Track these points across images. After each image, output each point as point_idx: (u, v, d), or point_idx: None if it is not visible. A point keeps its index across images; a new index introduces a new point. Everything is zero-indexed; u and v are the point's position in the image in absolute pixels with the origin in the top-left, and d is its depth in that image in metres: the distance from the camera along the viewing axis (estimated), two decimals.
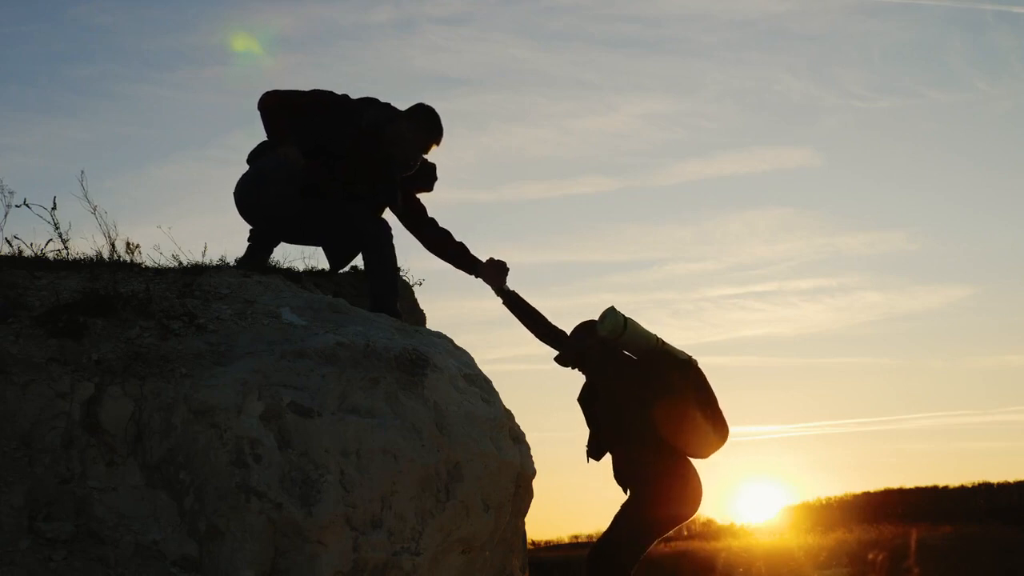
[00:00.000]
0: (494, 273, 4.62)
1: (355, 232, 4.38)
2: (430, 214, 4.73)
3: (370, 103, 4.50)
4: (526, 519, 4.08)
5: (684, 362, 4.14)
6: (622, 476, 4.14)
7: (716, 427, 4.08)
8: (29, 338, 3.31)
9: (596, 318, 4.22)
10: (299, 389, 3.30)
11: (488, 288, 4.64)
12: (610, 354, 4.18)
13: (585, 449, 4.25)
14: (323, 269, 5.13)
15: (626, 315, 4.14)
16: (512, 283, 4.62)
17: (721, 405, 4.14)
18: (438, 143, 4.53)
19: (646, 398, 4.03)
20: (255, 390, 3.24)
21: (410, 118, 4.47)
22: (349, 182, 4.38)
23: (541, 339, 4.48)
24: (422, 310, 5.51)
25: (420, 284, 5.61)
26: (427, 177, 4.68)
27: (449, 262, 4.71)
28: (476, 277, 4.66)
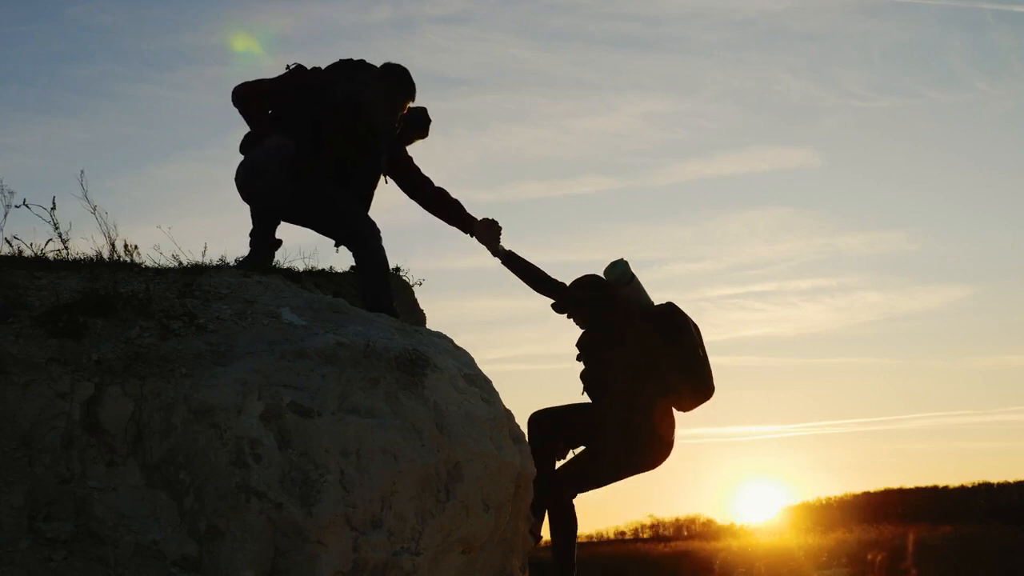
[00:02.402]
0: (488, 233, 4.65)
1: (342, 228, 4.41)
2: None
3: (342, 69, 4.46)
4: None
5: (693, 322, 4.41)
6: (611, 413, 4.30)
7: (707, 384, 4.36)
8: (29, 338, 3.31)
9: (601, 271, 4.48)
10: (299, 389, 3.30)
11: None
12: (612, 304, 4.41)
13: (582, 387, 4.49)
14: (323, 269, 5.13)
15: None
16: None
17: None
18: (412, 98, 4.48)
19: (663, 348, 4.27)
20: (255, 390, 3.24)
21: (379, 81, 4.42)
22: (335, 162, 4.38)
23: (540, 292, 4.58)
24: (422, 310, 5.52)
25: (420, 284, 5.62)
26: (418, 124, 4.65)
27: (444, 220, 4.73)
28: (471, 236, 4.69)
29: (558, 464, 4.41)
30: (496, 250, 4.63)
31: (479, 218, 4.67)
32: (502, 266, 4.62)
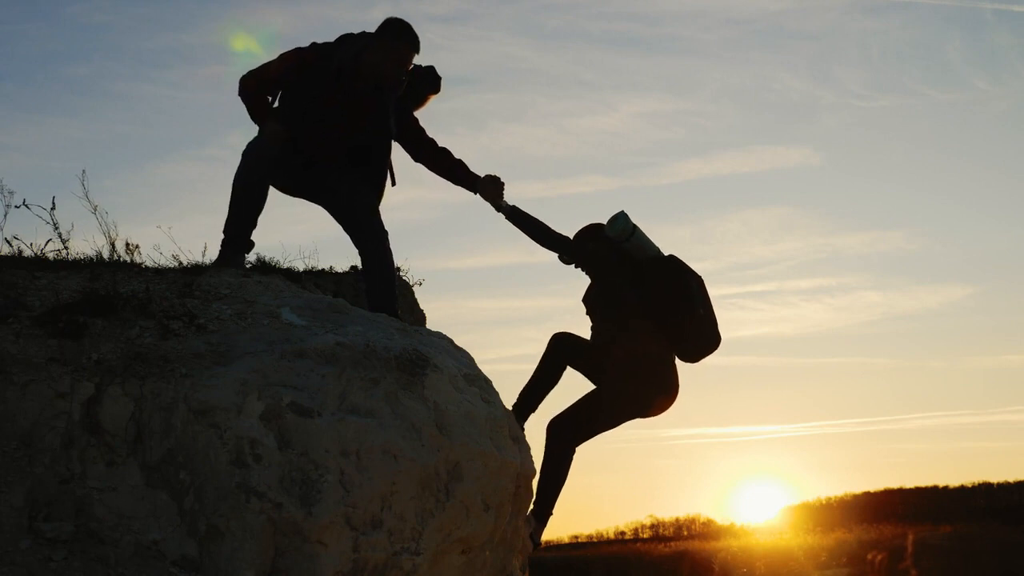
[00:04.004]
0: (492, 188, 4.68)
1: (351, 224, 4.43)
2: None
3: (342, 39, 4.46)
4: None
5: (698, 275, 4.43)
6: (616, 362, 4.34)
7: (710, 338, 4.39)
8: (29, 338, 3.31)
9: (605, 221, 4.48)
10: (299, 389, 3.30)
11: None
12: (616, 255, 4.44)
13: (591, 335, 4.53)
14: (323, 269, 5.13)
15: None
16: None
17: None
18: (417, 50, 4.46)
19: (664, 302, 4.30)
20: (255, 390, 3.24)
21: (380, 38, 4.42)
22: (348, 135, 4.40)
23: (545, 246, 4.64)
24: (422, 310, 5.52)
25: (420, 284, 5.62)
26: (430, 80, 4.66)
27: (449, 179, 4.76)
28: (475, 194, 4.73)
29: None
30: (500, 206, 4.68)
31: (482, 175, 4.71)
32: (506, 221, 4.67)
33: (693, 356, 4.40)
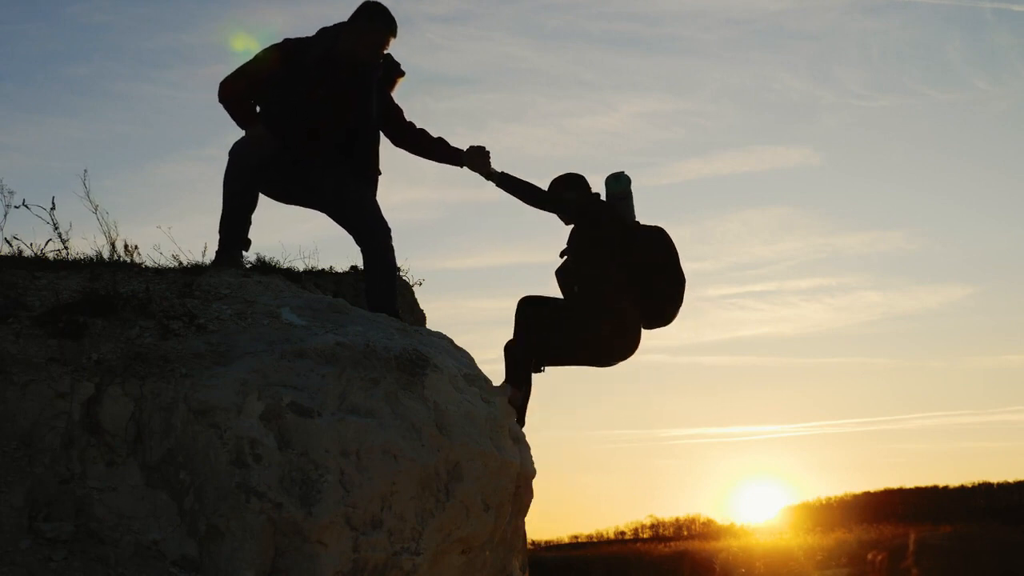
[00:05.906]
0: (479, 159, 4.72)
1: (352, 222, 4.42)
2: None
3: (316, 36, 4.47)
4: (526, 519, 4.08)
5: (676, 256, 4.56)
6: (592, 306, 4.45)
7: (674, 308, 4.54)
8: (29, 338, 3.31)
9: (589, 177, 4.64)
10: (299, 389, 3.30)
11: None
12: (609, 211, 4.59)
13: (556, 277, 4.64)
14: (323, 269, 5.13)
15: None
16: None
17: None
18: (392, 32, 4.45)
19: (666, 269, 4.47)
20: (255, 390, 3.24)
21: (355, 22, 4.42)
22: (334, 127, 4.40)
23: (538, 207, 4.74)
24: (422, 310, 5.52)
25: (420, 284, 5.63)
26: (392, 63, 4.67)
27: (433, 159, 4.77)
28: (462, 167, 4.75)
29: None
30: (490, 173, 4.72)
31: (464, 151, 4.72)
32: (497, 188, 4.72)
33: (654, 324, 4.53)
